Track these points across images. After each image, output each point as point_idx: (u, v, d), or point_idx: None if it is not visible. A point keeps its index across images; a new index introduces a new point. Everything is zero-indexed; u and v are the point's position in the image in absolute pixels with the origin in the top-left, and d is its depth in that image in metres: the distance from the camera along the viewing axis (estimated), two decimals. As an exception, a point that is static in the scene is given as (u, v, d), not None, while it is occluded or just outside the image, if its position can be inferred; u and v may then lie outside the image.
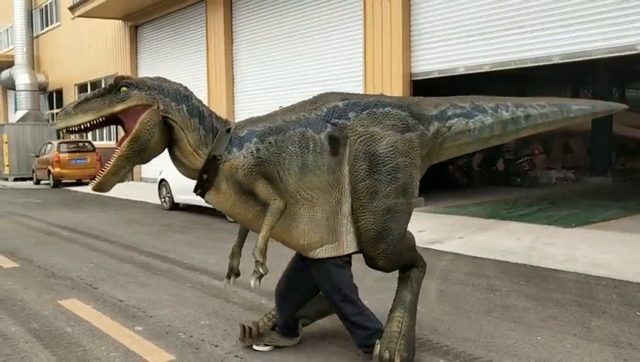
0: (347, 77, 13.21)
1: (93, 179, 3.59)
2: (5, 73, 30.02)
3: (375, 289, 5.34)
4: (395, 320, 3.81)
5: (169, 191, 12.58)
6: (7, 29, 34.17)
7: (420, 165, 3.99)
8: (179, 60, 19.88)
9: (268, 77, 16.02)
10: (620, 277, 6.02)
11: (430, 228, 9.06)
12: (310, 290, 4.05)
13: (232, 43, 17.34)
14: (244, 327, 4.11)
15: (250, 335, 4.09)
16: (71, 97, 27.46)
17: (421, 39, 11.87)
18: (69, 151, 20.41)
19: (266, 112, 4.09)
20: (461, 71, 11.27)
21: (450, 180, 15.52)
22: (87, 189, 18.53)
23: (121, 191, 17.24)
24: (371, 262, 3.89)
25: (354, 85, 12.49)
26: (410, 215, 3.90)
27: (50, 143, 21.41)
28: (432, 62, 11.73)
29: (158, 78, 3.72)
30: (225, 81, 17.33)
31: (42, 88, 29.64)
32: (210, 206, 3.96)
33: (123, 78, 3.60)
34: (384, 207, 3.70)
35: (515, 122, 4.32)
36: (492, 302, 5.28)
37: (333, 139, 3.72)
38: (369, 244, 3.76)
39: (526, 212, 10.93)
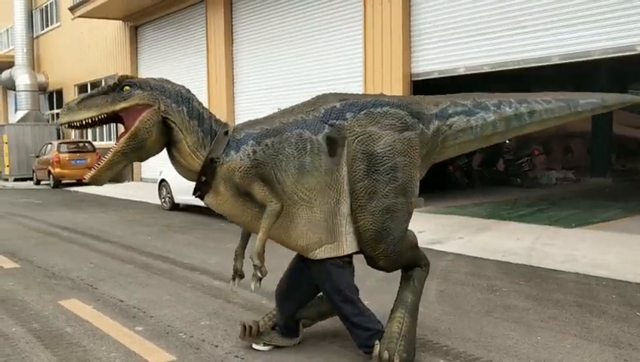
0: (347, 77, 13.22)
1: (90, 169, 3.63)
2: (5, 73, 30.03)
3: (376, 290, 5.35)
4: (395, 321, 3.81)
5: (169, 192, 12.58)
6: (7, 30, 34.17)
7: (420, 164, 3.98)
8: (179, 61, 19.89)
9: (268, 77, 16.03)
10: (620, 278, 6.02)
11: (430, 229, 9.07)
12: (311, 290, 4.05)
13: (232, 43, 17.35)
14: (244, 325, 4.12)
15: (250, 334, 4.10)
16: (71, 98, 27.43)
17: (421, 39, 11.87)
18: (69, 152, 20.42)
19: (266, 113, 4.11)
20: (461, 71, 11.28)
21: (451, 180, 15.53)
22: (87, 189, 18.53)
23: (121, 191, 17.28)
24: (372, 262, 3.89)
25: (354, 86, 12.50)
26: (410, 214, 3.90)
27: (51, 144, 21.42)
28: (432, 62, 11.74)
29: (162, 80, 3.76)
30: (225, 82, 17.34)
31: (42, 88, 29.64)
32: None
33: (127, 77, 3.64)
34: (383, 206, 3.70)
35: (519, 118, 4.27)
36: (492, 303, 5.28)
37: (331, 140, 3.72)
38: (369, 244, 3.76)
39: (526, 212, 10.94)
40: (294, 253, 4.11)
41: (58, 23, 28.35)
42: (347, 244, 3.78)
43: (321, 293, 4.08)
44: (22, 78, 28.45)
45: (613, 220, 9.84)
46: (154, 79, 3.72)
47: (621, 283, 5.84)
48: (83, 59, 25.85)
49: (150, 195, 14.88)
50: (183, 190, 10.85)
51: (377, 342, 3.71)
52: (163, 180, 12.78)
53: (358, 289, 3.93)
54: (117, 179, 20.40)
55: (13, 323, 4.91)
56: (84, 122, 3.56)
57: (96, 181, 3.62)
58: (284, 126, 3.75)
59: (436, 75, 11.70)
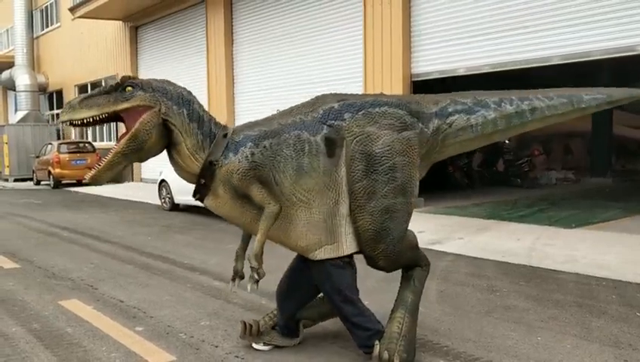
0: (347, 78, 13.22)
1: (90, 169, 3.66)
2: (5, 74, 30.03)
3: (376, 290, 5.35)
4: (395, 321, 3.81)
5: (169, 192, 12.59)
6: (7, 30, 34.18)
7: (420, 163, 3.97)
8: (179, 61, 19.90)
9: (268, 78, 16.03)
10: (620, 278, 6.03)
11: (430, 229, 9.07)
12: (311, 291, 4.05)
13: (232, 44, 17.36)
14: (244, 324, 4.12)
15: (250, 333, 4.10)
16: (71, 98, 27.35)
17: (421, 40, 11.88)
18: (69, 152, 20.42)
19: (266, 113, 4.11)
20: (461, 72, 11.29)
21: (451, 181, 15.52)
22: (87, 190, 18.53)
23: (121, 191, 17.28)
24: (372, 263, 3.89)
25: (354, 86, 12.50)
26: (410, 214, 3.89)
27: (51, 144, 21.42)
28: (432, 62, 11.74)
29: (164, 81, 3.77)
30: (225, 82, 17.34)
31: (42, 89, 29.65)
32: (209, 209, 3.98)
33: (129, 77, 3.66)
34: (382, 207, 3.70)
35: (520, 116, 4.24)
36: (492, 303, 5.28)
37: (330, 141, 3.72)
38: (368, 245, 3.76)
39: (526, 213, 10.94)
40: (294, 254, 4.11)
41: (58, 24, 28.36)
42: (347, 245, 3.79)
43: (321, 294, 4.08)
44: (22, 78, 28.46)
45: (613, 220, 9.84)
46: (156, 80, 3.74)
47: (621, 284, 5.85)
48: (83, 59, 25.85)
49: (150, 196, 14.88)
50: (183, 190, 10.84)
51: (377, 342, 3.72)
52: (163, 181, 12.78)
53: (358, 290, 3.93)
54: (117, 179, 20.41)
55: (13, 323, 4.91)
56: (85, 121, 3.59)
57: (96, 181, 3.66)
58: (283, 127, 3.75)
59: (436, 76, 11.71)
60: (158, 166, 11.22)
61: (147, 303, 5.42)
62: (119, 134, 3.80)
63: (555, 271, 6.45)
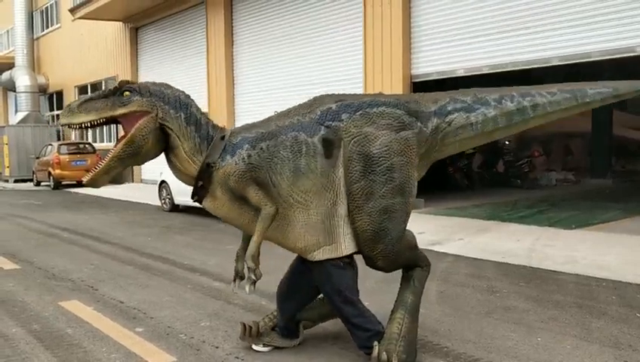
0: (348, 79, 13.23)
1: (88, 172, 3.68)
2: (6, 75, 30.05)
3: (376, 291, 5.35)
4: (395, 322, 3.81)
5: (169, 193, 12.59)
6: (7, 31, 34.19)
7: (420, 163, 3.96)
8: (179, 62, 19.91)
9: (268, 79, 16.04)
10: (620, 279, 6.02)
11: (430, 230, 9.07)
12: (311, 292, 4.05)
13: (232, 45, 17.36)
14: (244, 325, 4.12)
15: (250, 334, 4.11)
16: (71, 99, 27.40)
17: (421, 41, 11.89)
18: (70, 153, 20.42)
19: (266, 114, 4.11)
20: (460, 73, 11.29)
21: (450, 182, 15.52)
22: (87, 191, 18.53)
23: (121, 192, 17.28)
24: (370, 263, 3.89)
25: (354, 87, 12.51)
26: (408, 214, 3.88)
27: (51, 145, 21.42)
28: (432, 63, 11.75)
29: (161, 84, 3.78)
30: (225, 83, 17.35)
31: (42, 90, 29.66)
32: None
33: (127, 82, 3.68)
34: (380, 207, 3.69)
35: (522, 112, 4.18)
36: (492, 304, 5.28)
37: (327, 142, 3.71)
38: (367, 245, 3.76)
39: (526, 213, 10.94)
40: (294, 255, 4.11)
41: (58, 25, 28.38)
42: (345, 245, 3.78)
43: (321, 295, 4.08)
44: (22, 79, 28.47)
45: (614, 221, 9.84)
46: (154, 84, 3.75)
47: (621, 284, 5.85)
48: (83, 60, 25.87)
49: (150, 197, 14.88)
50: (183, 191, 10.81)
51: (376, 343, 3.71)
52: (163, 181, 12.78)
53: (359, 291, 3.93)
54: (117, 180, 20.40)
55: (13, 324, 4.92)
56: (83, 125, 3.64)
57: (93, 184, 3.68)
58: (280, 129, 3.76)
59: (436, 77, 11.71)
60: (158, 167, 11.20)
61: (147, 304, 5.42)
62: (118, 137, 3.82)
63: (555, 271, 6.45)
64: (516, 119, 4.20)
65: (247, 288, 3.69)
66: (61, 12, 27.38)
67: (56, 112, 29.80)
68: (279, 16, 15.50)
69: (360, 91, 12.29)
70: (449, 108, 4.06)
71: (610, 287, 5.76)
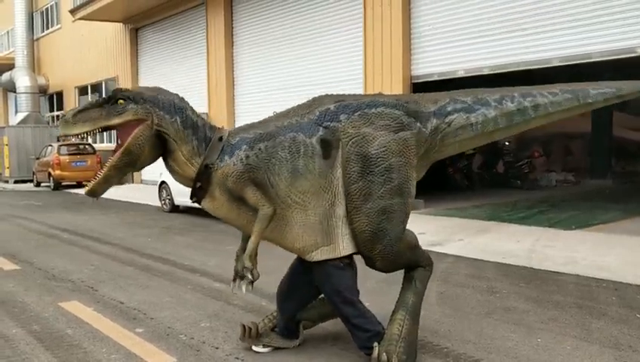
0: (348, 80, 13.24)
1: (88, 182, 3.70)
2: (6, 76, 30.07)
3: (377, 291, 5.35)
4: (395, 323, 3.80)
5: (169, 194, 12.58)
6: (7, 32, 34.23)
7: (419, 163, 3.95)
8: (179, 63, 19.92)
9: (268, 79, 16.05)
10: (620, 280, 6.02)
11: (430, 231, 9.07)
12: (311, 292, 4.05)
13: (232, 46, 17.37)
14: (244, 327, 4.12)
15: (249, 335, 4.11)
16: (71, 99, 27.52)
17: (421, 42, 11.89)
18: (70, 154, 20.41)
19: (266, 115, 4.11)
20: (461, 74, 11.29)
21: (450, 183, 15.53)
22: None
23: (121, 193, 17.26)
24: (370, 263, 3.88)
25: (354, 88, 12.50)
26: (407, 215, 3.87)
27: (51, 146, 21.41)
28: (432, 64, 11.75)
29: (155, 89, 3.77)
30: (225, 84, 17.35)
31: (43, 91, 29.68)
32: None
33: (121, 90, 3.67)
34: (379, 208, 3.68)
35: (523, 113, 4.16)
36: (492, 304, 5.28)
37: (325, 143, 3.71)
38: (365, 246, 3.76)
39: (526, 214, 10.94)
40: (294, 255, 4.11)
41: (58, 25, 28.40)
42: (344, 246, 3.77)
43: (322, 295, 4.08)
44: (22, 80, 28.49)
45: (614, 222, 9.84)
46: (148, 89, 3.74)
47: (621, 285, 5.85)
48: (83, 61, 25.89)
49: (150, 197, 14.89)
50: (183, 192, 10.77)
51: (376, 343, 3.71)
52: (163, 182, 12.78)
53: (359, 291, 3.93)
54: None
55: (13, 324, 4.92)
56: (79, 136, 3.67)
57: (93, 194, 3.70)
58: (278, 130, 3.76)
59: (436, 78, 11.72)
60: (158, 168, 11.20)
61: (147, 305, 5.42)
62: (115, 146, 3.84)
63: (555, 272, 6.45)
64: (517, 120, 4.18)
65: (243, 288, 3.68)
66: (61, 13, 27.41)
67: (56, 113, 29.83)
68: (279, 17, 15.51)
69: (360, 92, 12.29)
70: (449, 109, 4.04)
71: (610, 288, 5.76)
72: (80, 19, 22.13)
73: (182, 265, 7.21)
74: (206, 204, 3.82)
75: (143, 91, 3.70)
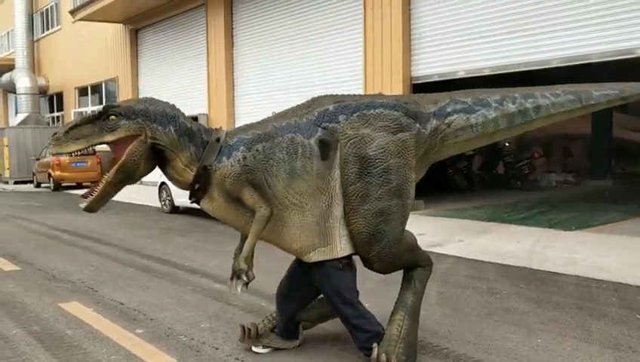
0: (348, 80, 13.24)
1: (84, 198, 3.72)
2: (6, 76, 30.08)
3: (377, 292, 5.34)
4: (395, 323, 3.80)
5: (169, 195, 12.59)
6: (7, 33, 34.24)
7: (418, 164, 3.93)
8: (179, 64, 19.92)
9: (268, 80, 16.05)
10: (620, 280, 6.02)
11: (430, 231, 9.07)
12: (311, 292, 4.05)
13: (232, 46, 17.38)
14: (243, 328, 4.12)
15: (249, 336, 4.11)
16: (71, 100, 27.53)
17: (421, 42, 11.90)
18: (70, 155, 20.36)
19: (266, 116, 4.11)
20: (461, 74, 11.30)
21: (450, 183, 15.53)
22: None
23: (122, 194, 17.22)
24: (368, 264, 3.88)
25: (355, 88, 12.51)
26: (406, 216, 3.85)
27: (51, 146, 21.38)
28: (432, 65, 11.76)
29: (145, 101, 3.75)
30: (225, 85, 17.36)
31: (43, 91, 29.69)
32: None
33: (112, 106, 3.66)
34: (376, 209, 3.67)
35: (524, 114, 4.12)
36: (492, 305, 5.28)
37: (324, 143, 3.70)
38: (363, 247, 3.75)
39: (526, 215, 10.94)
40: (293, 256, 4.11)
41: (59, 26, 28.41)
42: (341, 247, 3.77)
43: (321, 295, 4.08)
44: (22, 80, 28.50)
45: (614, 223, 9.84)
46: (138, 102, 3.72)
47: (621, 286, 5.84)
48: (83, 62, 25.89)
49: (150, 198, 14.88)
50: (183, 193, 10.80)
51: (376, 344, 3.71)
52: (163, 183, 12.77)
53: (358, 292, 3.93)
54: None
55: (13, 325, 4.92)
56: (72, 154, 3.69)
57: (90, 210, 3.74)
58: (277, 130, 3.75)
59: (436, 78, 11.72)
60: (158, 169, 11.21)
61: (147, 305, 5.42)
62: (110, 161, 3.87)
63: (555, 273, 6.44)
64: (518, 121, 4.14)
65: (238, 289, 3.68)
66: (61, 14, 27.42)
67: (56, 114, 29.84)
68: (279, 18, 15.51)
69: (360, 93, 12.29)
70: (449, 110, 4.02)
71: (611, 289, 5.76)
72: (80, 20, 22.14)
73: (182, 266, 7.21)
74: (205, 205, 3.82)
75: (133, 105, 3.67)
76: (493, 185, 16.52)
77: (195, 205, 3.96)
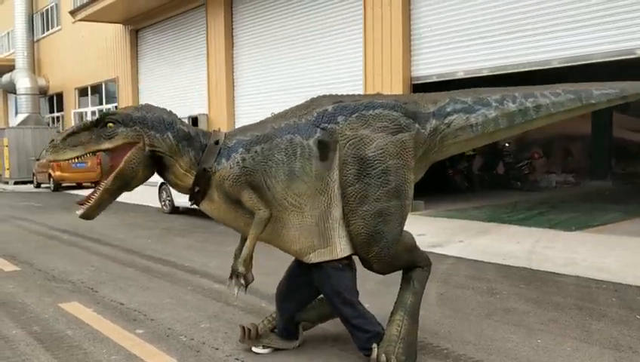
0: (348, 81, 13.24)
1: (81, 205, 3.70)
2: (6, 77, 30.10)
3: (376, 292, 5.34)
4: (394, 324, 3.80)
5: (169, 195, 12.59)
6: (7, 33, 34.25)
7: (417, 165, 3.93)
8: (179, 64, 19.92)
9: (268, 81, 16.05)
10: (620, 281, 6.02)
11: (431, 232, 9.07)
12: (310, 292, 4.05)
13: (232, 47, 17.38)
14: (243, 328, 4.13)
15: (249, 337, 4.11)
16: (71, 101, 27.53)
17: (421, 43, 11.90)
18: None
19: (266, 116, 4.10)
20: (460, 75, 11.30)
21: (451, 184, 15.53)
22: (87, 193, 18.52)
23: (122, 194, 17.28)
24: (367, 265, 3.88)
25: (354, 89, 12.49)
26: (405, 217, 3.85)
27: (51, 147, 21.38)
28: (431, 66, 11.76)
29: (142, 108, 3.76)
30: (225, 85, 17.36)
31: (43, 92, 29.70)
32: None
33: (109, 113, 3.66)
34: (375, 210, 3.67)
35: (524, 114, 4.11)
36: (492, 306, 5.28)
37: (323, 144, 3.70)
38: (361, 248, 3.75)
39: (526, 215, 10.94)
40: (293, 256, 4.11)
41: (59, 27, 28.42)
42: (341, 247, 3.77)
43: (321, 296, 4.08)
44: (22, 81, 28.51)
45: (614, 223, 9.84)
46: (135, 110, 3.72)
47: (621, 286, 5.85)
48: (83, 62, 25.90)
49: (150, 199, 14.86)
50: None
51: (375, 344, 3.71)
52: (163, 184, 12.78)
53: (358, 292, 3.93)
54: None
55: (13, 325, 4.92)
56: (69, 161, 3.68)
57: (87, 217, 3.73)
58: (276, 131, 3.75)
59: (436, 79, 11.72)
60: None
61: (148, 306, 5.42)
62: (107, 168, 3.87)
63: (555, 273, 6.45)
64: (518, 120, 4.13)
65: (236, 290, 3.69)
66: (61, 14, 27.42)
67: (56, 114, 29.84)
68: (279, 19, 15.52)
69: (360, 93, 12.28)
70: (448, 110, 4.01)
71: (611, 289, 5.76)
72: (80, 20, 22.14)
73: (182, 266, 7.21)
74: (204, 207, 3.83)
75: (131, 112, 3.68)
76: (493, 185, 16.51)
77: (195, 206, 3.96)
